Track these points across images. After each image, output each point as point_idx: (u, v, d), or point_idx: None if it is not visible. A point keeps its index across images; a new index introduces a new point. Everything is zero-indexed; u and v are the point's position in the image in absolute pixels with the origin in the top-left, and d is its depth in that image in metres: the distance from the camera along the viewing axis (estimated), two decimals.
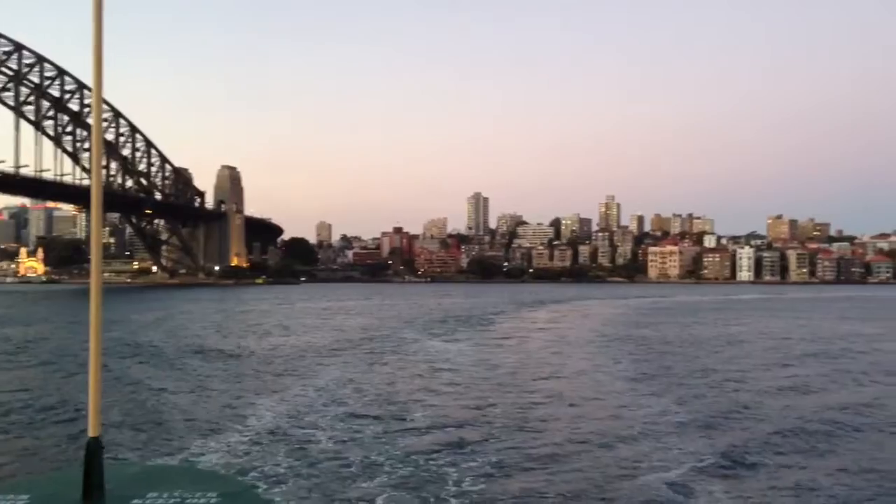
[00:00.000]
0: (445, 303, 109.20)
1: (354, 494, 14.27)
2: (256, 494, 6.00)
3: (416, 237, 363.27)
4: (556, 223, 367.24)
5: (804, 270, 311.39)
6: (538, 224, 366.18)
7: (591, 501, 14.16)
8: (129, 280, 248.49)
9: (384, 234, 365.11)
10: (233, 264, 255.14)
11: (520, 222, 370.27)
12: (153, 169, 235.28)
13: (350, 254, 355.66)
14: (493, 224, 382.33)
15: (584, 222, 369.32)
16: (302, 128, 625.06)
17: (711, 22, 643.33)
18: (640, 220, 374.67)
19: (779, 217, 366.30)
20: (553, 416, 22.75)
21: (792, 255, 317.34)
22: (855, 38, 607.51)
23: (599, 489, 14.83)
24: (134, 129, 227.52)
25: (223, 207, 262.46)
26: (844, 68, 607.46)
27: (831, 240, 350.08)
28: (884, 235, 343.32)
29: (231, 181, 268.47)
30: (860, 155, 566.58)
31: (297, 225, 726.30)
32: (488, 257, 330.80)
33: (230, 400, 25.25)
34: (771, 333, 55.74)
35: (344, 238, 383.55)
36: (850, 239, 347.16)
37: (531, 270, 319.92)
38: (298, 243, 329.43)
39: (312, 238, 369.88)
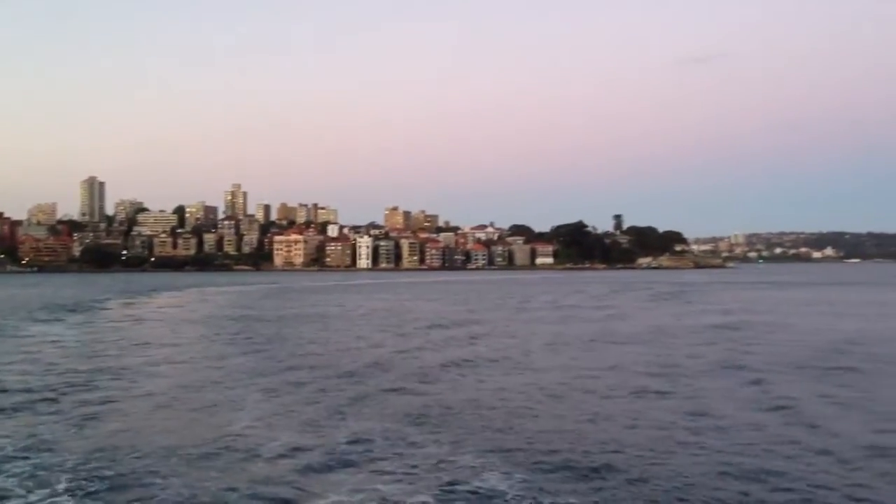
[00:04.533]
0: (48, 292, 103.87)
1: None
2: None
3: (19, 223, 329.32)
4: (179, 210, 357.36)
5: (415, 258, 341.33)
6: (160, 211, 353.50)
7: (178, 412, 19.12)
8: None
9: None
10: None
11: (140, 209, 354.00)
12: None
13: None
14: (110, 210, 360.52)
15: (210, 210, 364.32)
16: None
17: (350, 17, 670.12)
18: (267, 208, 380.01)
19: (395, 209, 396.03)
20: (151, 372, 27.30)
21: (405, 244, 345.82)
22: (488, 43, 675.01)
23: (182, 410, 19.78)
24: None
25: None
26: (460, 74, 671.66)
27: (439, 230, 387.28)
28: (481, 227, 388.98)
29: None
30: (467, 154, 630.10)
31: None
32: (105, 245, 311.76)
33: None
34: (339, 307, 64.89)
35: None
36: (455, 229, 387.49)
37: (153, 259, 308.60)
38: None
39: None
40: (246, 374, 26.82)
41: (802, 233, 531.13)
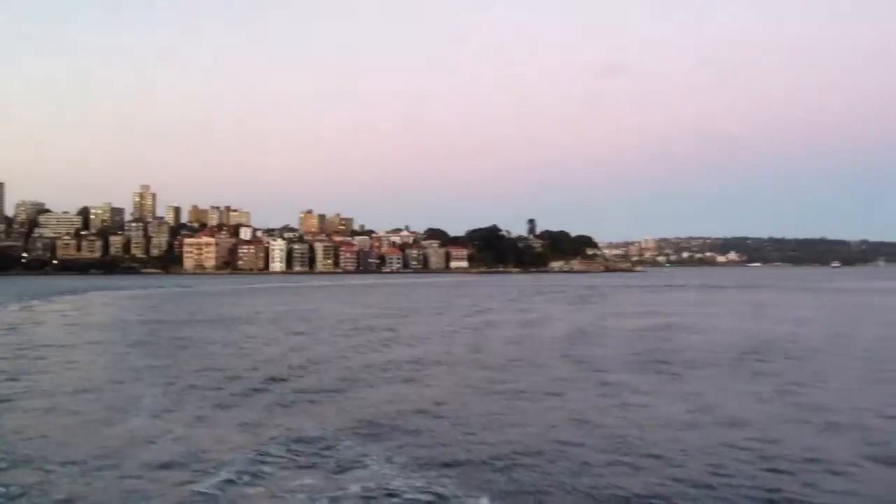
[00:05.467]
0: None
1: None
2: None
3: None
4: (84, 212, 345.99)
5: (329, 261, 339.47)
6: (64, 213, 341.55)
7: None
8: None
9: None
10: None
11: (42, 210, 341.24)
12: None
13: None
14: (9, 211, 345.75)
15: (117, 212, 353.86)
16: None
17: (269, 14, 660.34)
18: (177, 211, 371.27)
19: (309, 212, 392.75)
20: (50, 374, 27.39)
21: (319, 247, 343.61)
22: (392, 47, 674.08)
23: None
24: None
25: None
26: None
27: (354, 234, 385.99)
28: (397, 230, 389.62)
29: None
30: (383, 158, 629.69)
31: None
32: (3, 248, 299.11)
33: None
34: (248, 311, 65.03)
35: None
36: (370, 233, 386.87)
37: (55, 262, 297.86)
38: None
39: None
40: (145, 375, 27.06)
41: (708, 238, 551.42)
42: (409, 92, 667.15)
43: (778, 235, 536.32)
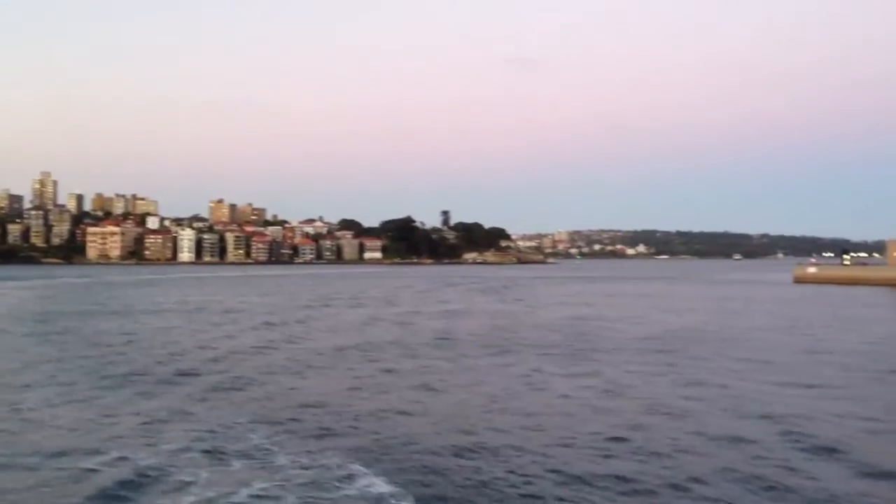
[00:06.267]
0: None
1: None
2: None
3: None
4: None
5: (241, 251, 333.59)
6: None
7: None
8: None
9: None
10: None
11: None
12: None
13: None
14: None
15: (15, 199, 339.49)
16: None
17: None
18: (80, 199, 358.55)
19: (220, 201, 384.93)
20: None
21: (230, 237, 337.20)
22: (306, 40, 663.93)
23: None
24: None
25: None
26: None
27: (267, 224, 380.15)
28: (310, 221, 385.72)
29: None
30: (295, 148, 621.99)
31: None
32: None
33: None
34: (148, 302, 64.19)
35: None
36: (283, 223, 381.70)
37: None
38: None
39: None
40: (38, 366, 26.90)
41: (619, 231, 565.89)
42: (324, 81, 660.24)
43: (685, 229, 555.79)
